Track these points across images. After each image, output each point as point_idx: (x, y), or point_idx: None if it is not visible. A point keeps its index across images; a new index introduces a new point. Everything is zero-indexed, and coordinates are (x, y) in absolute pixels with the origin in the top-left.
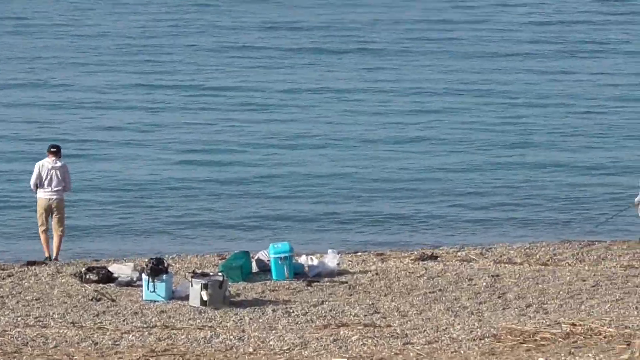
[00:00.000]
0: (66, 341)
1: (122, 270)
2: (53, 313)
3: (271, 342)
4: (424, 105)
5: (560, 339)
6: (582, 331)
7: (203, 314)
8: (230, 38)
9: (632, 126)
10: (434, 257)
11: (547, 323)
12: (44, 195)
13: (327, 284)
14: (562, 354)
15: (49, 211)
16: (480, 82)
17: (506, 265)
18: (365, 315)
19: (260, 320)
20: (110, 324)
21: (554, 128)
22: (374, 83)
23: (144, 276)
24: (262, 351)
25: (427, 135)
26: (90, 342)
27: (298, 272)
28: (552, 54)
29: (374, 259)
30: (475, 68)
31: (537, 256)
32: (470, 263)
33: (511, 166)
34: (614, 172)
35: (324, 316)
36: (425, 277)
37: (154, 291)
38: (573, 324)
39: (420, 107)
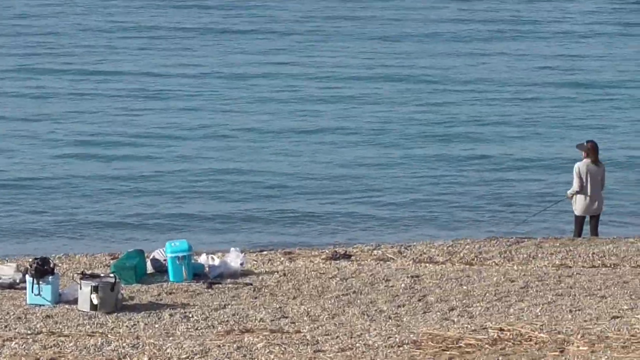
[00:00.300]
0: None
1: (3, 271)
2: None
3: (168, 350)
4: (337, 91)
5: (486, 346)
6: (511, 337)
7: (93, 319)
8: (122, 17)
9: (562, 115)
10: (347, 256)
11: (472, 328)
12: None
13: (230, 285)
14: None
15: None
16: (399, 66)
17: (427, 264)
18: (272, 320)
19: (156, 326)
20: None
21: (478, 118)
22: (281, 67)
23: (27, 278)
24: None
25: (341, 125)
26: None
27: (198, 273)
28: (477, 35)
29: (282, 258)
30: (394, 51)
31: (461, 254)
32: (388, 262)
33: (432, 159)
34: (544, 165)
35: (227, 321)
36: (337, 278)
37: (39, 294)
38: (501, 329)
39: (333, 93)
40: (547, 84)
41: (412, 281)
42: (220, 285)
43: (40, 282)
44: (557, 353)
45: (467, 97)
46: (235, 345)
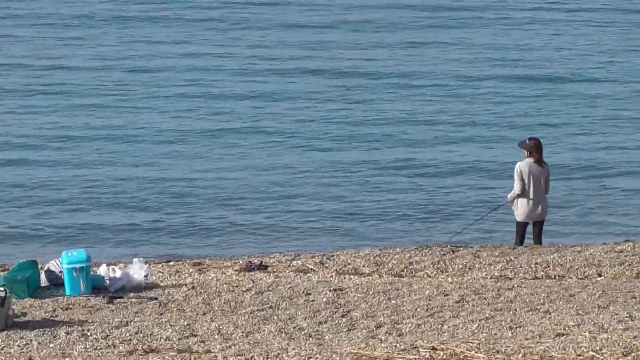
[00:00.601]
0: None
1: None
2: None
3: None
4: (253, 87)
5: None
6: (445, 356)
7: None
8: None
9: (503, 113)
10: (263, 267)
11: (402, 347)
12: None
13: (133, 300)
14: None
15: None
16: (323, 58)
17: (351, 276)
18: (180, 339)
19: (51, 345)
20: None
21: (410, 116)
22: (189, 58)
23: None
24: None
25: (257, 125)
26: None
27: (97, 286)
28: (411, 23)
29: (190, 270)
30: (317, 40)
31: (390, 265)
32: (308, 274)
33: (358, 162)
34: (482, 168)
35: (129, 340)
36: (252, 292)
37: None
38: (433, 348)
39: (248, 89)
40: (486, 77)
41: (335, 295)
42: (122, 300)
43: None
44: None
45: (398, 93)
46: None
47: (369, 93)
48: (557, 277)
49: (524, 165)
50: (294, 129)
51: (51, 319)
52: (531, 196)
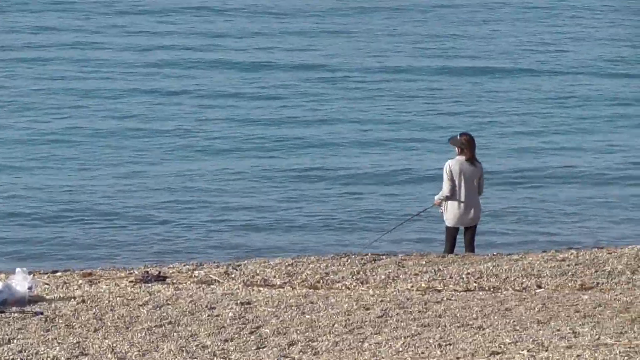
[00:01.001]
0: None
1: None
2: None
3: None
4: (146, 84)
5: None
6: None
7: None
8: None
9: (428, 110)
10: (161, 278)
11: None
12: None
13: (16, 315)
14: None
15: None
16: (210, 49)
17: (261, 288)
18: (69, 358)
19: None
20: None
21: (315, 117)
22: (74, 49)
23: None
24: None
25: (148, 127)
26: None
27: None
28: (311, 9)
29: (80, 281)
30: (203, 30)
31: (303, 276)
32: (212, 286)
33: (267, 167)
34: (406, 173)
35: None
36: (149, 306)
37: None
38: None
39: (139, 86)
40: (405, 70)
41: (243, 309)
42: (3, 315)
43: None
44: None
45: (298, 91)
46: None
47: (283, 89)
48: (492, 289)
49: (454, 163)
50: (193, 129)
51: None
52: (462, 198)
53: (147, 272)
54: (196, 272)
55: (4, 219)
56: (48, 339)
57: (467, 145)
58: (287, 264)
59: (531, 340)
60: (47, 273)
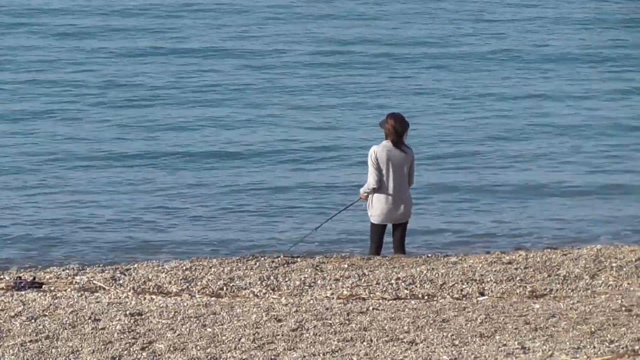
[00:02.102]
0: None
1: None
2: None
3: None
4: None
5: None
6: None
7: None
8: None
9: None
10: (37, 285)
11: None
12: None
13: None
14: None
15: None
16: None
17: (154, 296)
18: None
19: None
20: None
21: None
22: None
23: None
24: None
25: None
26: None
27: None
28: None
29: None
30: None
31: (204, 282)
32: (96, 294)
33: (158, 153)
34: (323, 161)
35: None
36: (23, 317)
37: None
38: None
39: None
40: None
41: (133, 321)
42: None
43: None
44: None
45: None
46: None
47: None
48: (426, 297)
49: (380, 150)
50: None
51: None
52: (390, 191)
53: (20, 277)
54: (77, 278)
55: None
56: None
57: (393, 129)
58: (184, 267)
59: (473, 356)
60: None
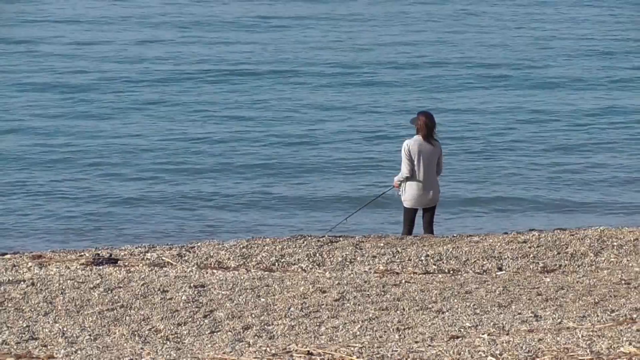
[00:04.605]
0: None
1: None
2: None
3: None
4: None
5: None
6: None
7: None
8: None
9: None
10: (113, 261)
11: (273, 351)
12: None
13: None
14: None
15: None
16: None
17: (215, 271)
18: (18, 343)
19: None
20: None
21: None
22: None
23: None
24: None
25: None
26: None
27: None
28: None
29: (30, 264)
30: None
31: (258, 258)
32: (165, 269)
33: (220, 146)
34: (365, 158)
35: None
36: (101, 289)
37: None
38: (309, 353)
39: None
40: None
41: (196, 292)
42: None
43: None
44: None
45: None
46: None
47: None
48: (452, 272)
49: (412, 143)
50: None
51: None
52: (421, 179)
53: (98, 254)
54: (148, 255)
55: None
56: None
57: (423, 125)
58: (241, 246)
59: (492, 323)
60: None
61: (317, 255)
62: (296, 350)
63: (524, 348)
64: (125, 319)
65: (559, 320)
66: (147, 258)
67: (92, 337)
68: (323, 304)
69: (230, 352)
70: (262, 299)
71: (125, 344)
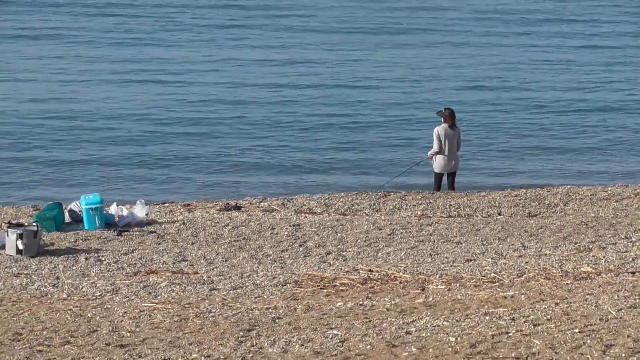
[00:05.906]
0: None
1: None
2: None
3: (84, 289)
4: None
5: (358, 285)
6: (379, 277)
7: (19, 262)
8: None
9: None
10: (237, 208)
11: (346, 269)
12: None
13: (137, 233)
14: (360, 299)
15: None
16: None
17: (306, 215)
18: (174, 263)
19: (74, 268)
20: None
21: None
22: None
23: None
24: (75, 297)
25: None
26: None
27: (109, 222)
28: None
29: (181, 210)
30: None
31: (336, 206)
32: (273, 213)
33: (306, 125)
34: (407, 135)
35: (134, 264)
36: (229, 227)
37: None
38: (370, 271)
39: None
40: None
41: (294, 229)
42: (128, 233)
43: None
44: (418, 291)
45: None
46: (142, 284)
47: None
48: (466, 216)
49: (440, 129)
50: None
51: (73, 247)
52: (446, 153)
53: (228, 203)
54: (262, 204)
55: (131, 162)
56: (159, 250)
57: (449, 116)
58: (325, 198)
59: (494, 251)
60: (158, 204)
61: (376, 204)
62: (361, 269)
63: (515, 268)
64: (246, 247)
65: (540, 249)
66: (261, 206)
67: (224, 259)
68: (379, 237)
69: (317, 269)
70: (339, 234)
71: (246, 264)
